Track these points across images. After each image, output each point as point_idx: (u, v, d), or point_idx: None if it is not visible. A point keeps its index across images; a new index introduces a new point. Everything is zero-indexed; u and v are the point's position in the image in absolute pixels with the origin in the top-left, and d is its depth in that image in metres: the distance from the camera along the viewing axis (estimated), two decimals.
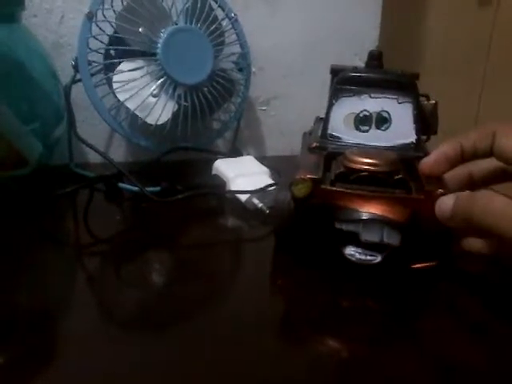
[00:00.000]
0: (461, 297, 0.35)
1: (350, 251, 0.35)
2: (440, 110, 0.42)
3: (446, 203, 0.33)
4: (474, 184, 0.39)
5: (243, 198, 0.47)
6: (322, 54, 0.65)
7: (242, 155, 0.59)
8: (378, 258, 0.34)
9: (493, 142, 0.33)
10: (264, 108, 0.66)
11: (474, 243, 0.34)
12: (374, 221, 0.34)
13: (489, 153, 0.34)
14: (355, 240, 0.34)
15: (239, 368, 0.27)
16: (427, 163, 0.36)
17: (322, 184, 0.35)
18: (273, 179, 0.49)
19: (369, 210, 0.34)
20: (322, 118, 0.43)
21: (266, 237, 0.43)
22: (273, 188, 0.47)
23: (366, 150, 0.37)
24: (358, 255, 0.34)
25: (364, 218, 0.34)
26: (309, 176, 0.34)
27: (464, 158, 0.35)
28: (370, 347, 0.29)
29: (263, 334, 0.30)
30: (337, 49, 0.66)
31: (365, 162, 0.35)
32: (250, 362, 0.28)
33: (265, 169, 0.51)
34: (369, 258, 0.34)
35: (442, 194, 0.33)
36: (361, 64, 0.43)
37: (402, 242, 0.34)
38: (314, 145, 0.40)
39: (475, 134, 0.35)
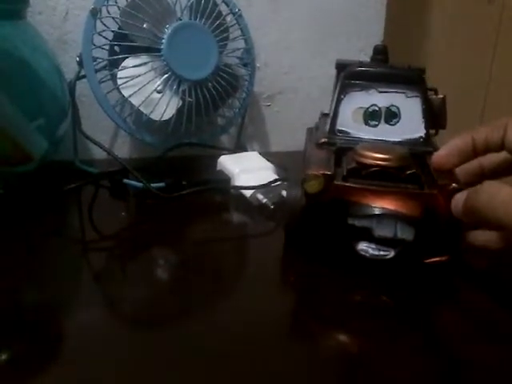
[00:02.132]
0: (474, 292, 0.35)
1: (363, 247, 0.34)
2: (447, 105, 0.42)
3: (458, 199, 0.33)
4: (485, 177, 0.39)
5: (248, 193, 0.47)
6: (326, 49, 0.65)
7: (246, 151, 0.58)
8: (392, 254, 0.34)
9: (504, 134, 0.33)
10: (268, 103, 0.66)
11: (479, 237, 0.34)
12: (387, 216, 0.33)
13: (500, 146, 0.34)
14: (368, 235, 0.34)
15: (248, 364, 0.27)
16: (439, 156, 0.35)
17: (334, 180, 0.34)
18: (277, 175, 0.49)
19: (382, 205, 0.34)
20: (326, 114, 0.43)
21: (271, 232, 0.43)
22: (277, 183, 0.47)
23: (376, 145, 0.37)
24: (371, 251, 0.34)
25: (377, 213, 0.34)
26: (321, 172, 0.34)
27: (476, 151, 0.35)
28: (383, 343, 0.29)
29: (273, 331, 0.30)
30: (341, 43, 0.66)
31: (377, 158, 0.35)
32: (259, 358, 0.28)
33: (269, 164, 0.51)
34: (382, 253, 0.34)
35: (455, 189, 0.33)
36: (366, 59, 0.43)
37: (415, 236, 0.33)
38: (323, 140, 0.40)
39: (487, 127, 0.34)
